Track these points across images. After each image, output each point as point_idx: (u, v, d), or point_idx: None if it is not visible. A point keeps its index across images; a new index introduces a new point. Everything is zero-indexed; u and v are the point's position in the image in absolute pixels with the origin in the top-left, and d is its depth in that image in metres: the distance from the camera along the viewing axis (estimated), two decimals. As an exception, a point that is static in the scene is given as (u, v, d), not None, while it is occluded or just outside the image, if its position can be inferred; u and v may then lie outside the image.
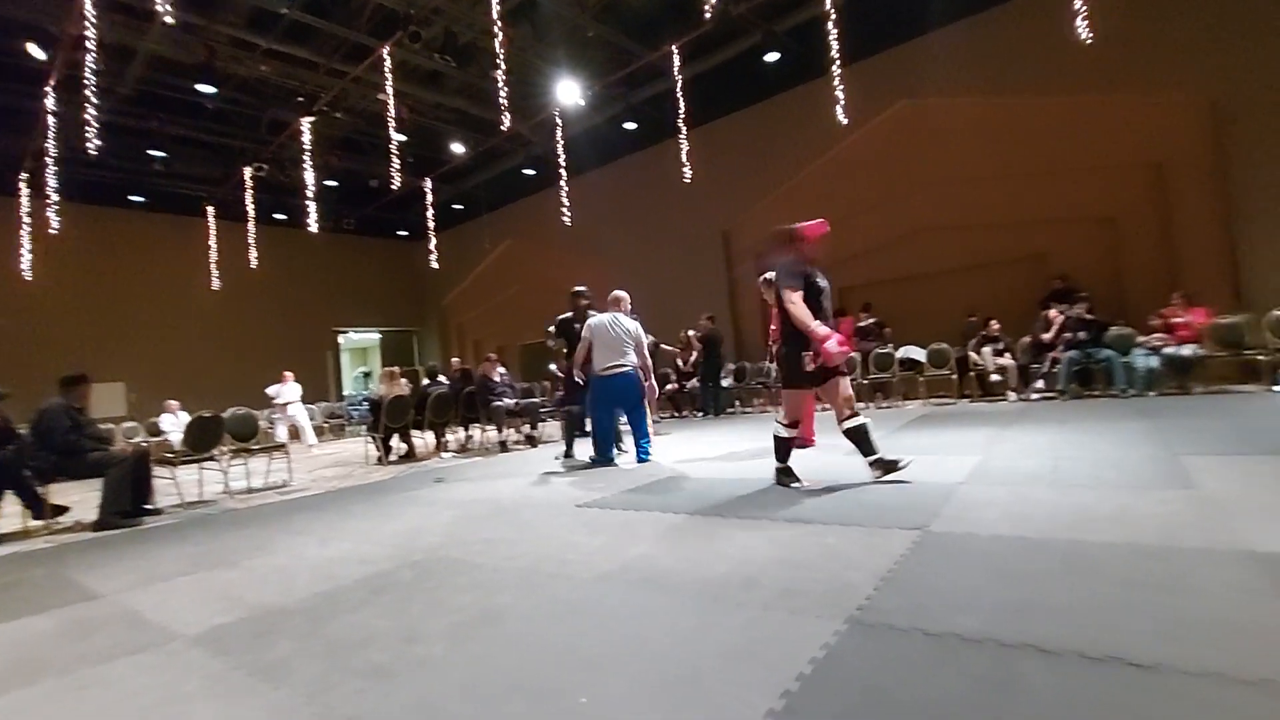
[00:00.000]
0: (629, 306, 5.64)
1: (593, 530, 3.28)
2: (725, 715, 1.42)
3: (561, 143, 10.89)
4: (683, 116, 9.70)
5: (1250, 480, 2.98)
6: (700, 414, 10.08)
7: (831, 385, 3.72)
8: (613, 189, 13.73)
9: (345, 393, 16.68)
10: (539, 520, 3.64)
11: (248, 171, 12.39)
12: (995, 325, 8.51)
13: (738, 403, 10.56)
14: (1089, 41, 7.32)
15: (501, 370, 8.58)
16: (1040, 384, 7.85)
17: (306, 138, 11.02)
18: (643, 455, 5.37)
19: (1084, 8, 7.19)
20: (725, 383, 10.29)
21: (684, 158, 10.04)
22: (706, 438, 7.08)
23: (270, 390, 11.17)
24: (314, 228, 12.39)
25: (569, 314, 6.38)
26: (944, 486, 3.44)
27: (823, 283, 3.81)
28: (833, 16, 8.12)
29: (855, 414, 3.73)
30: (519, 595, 2.38)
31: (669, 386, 10.48)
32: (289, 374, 11.32)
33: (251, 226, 13.24)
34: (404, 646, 2.00)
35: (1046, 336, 7.91)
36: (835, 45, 8.29)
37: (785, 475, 3.89)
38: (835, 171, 10.73)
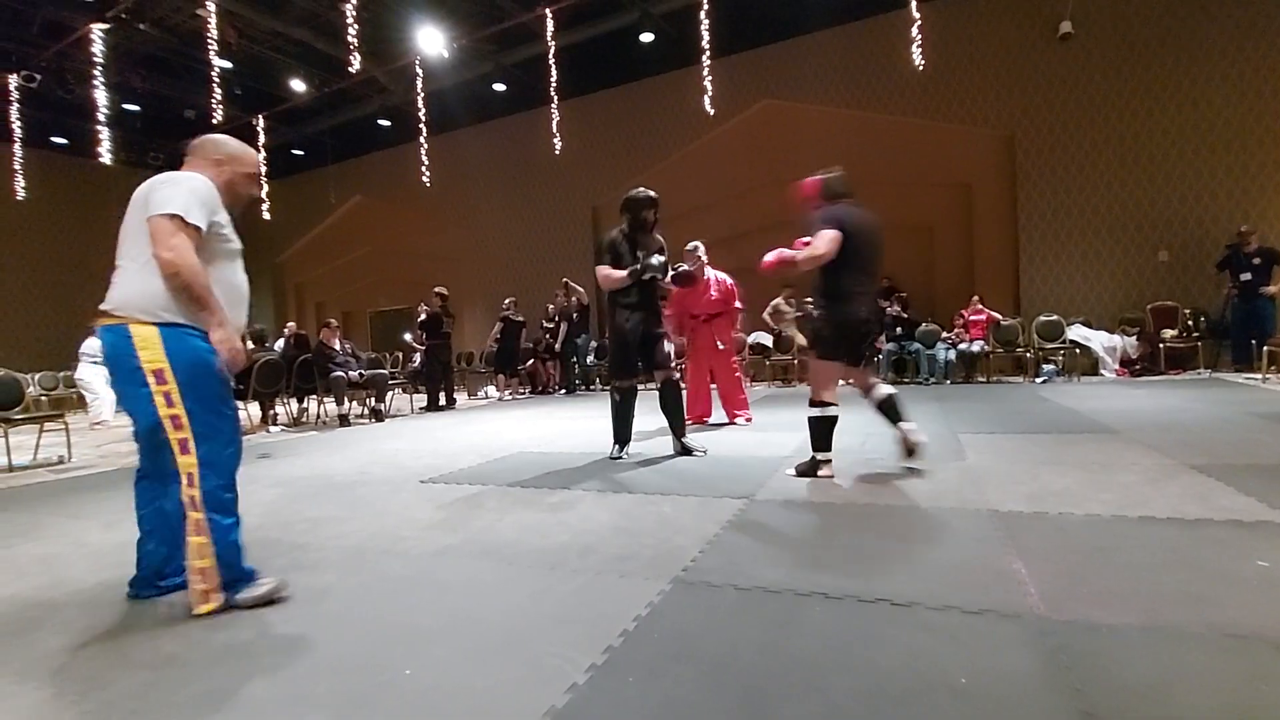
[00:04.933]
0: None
1: (434, 506, 3.21)
2: (550, 673, 1.48)
3: (422, 95, 10.21)
4: (555, 85, 9.51)
5: (1003, 454, 3.63)
6: (560, 390, 10.12)
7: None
8: (480, 152, 13.15)
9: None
10: (375, 497, 3.49)
11: (13, 80, 10.21)
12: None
13: (598, 380, 10.73)
14: (920, 69, 8.30)
15: (347, 343, 7.99)
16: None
17: (98, 48, 9.29)
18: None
19: (919, 38, 8.12)
20: (587, 360, 10.40)
21: (555, 128, 9.87)
22: (563, 413, 7.15)
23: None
24: (107, 159, 10.55)
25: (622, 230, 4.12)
26: (773, 460, 3.81)
27: None
28: (705, 6, 8.38)
29: None
30: (344, 574, 2.27)
31: (530, 362, 10.38)
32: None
33: (19, 150, 10.99)
34: (203, 634, 1.81)
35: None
36: (707, 36, 8.57)
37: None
38: (702, 159, 11.13)
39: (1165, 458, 3.29)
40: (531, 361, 10.38)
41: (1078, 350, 8.05)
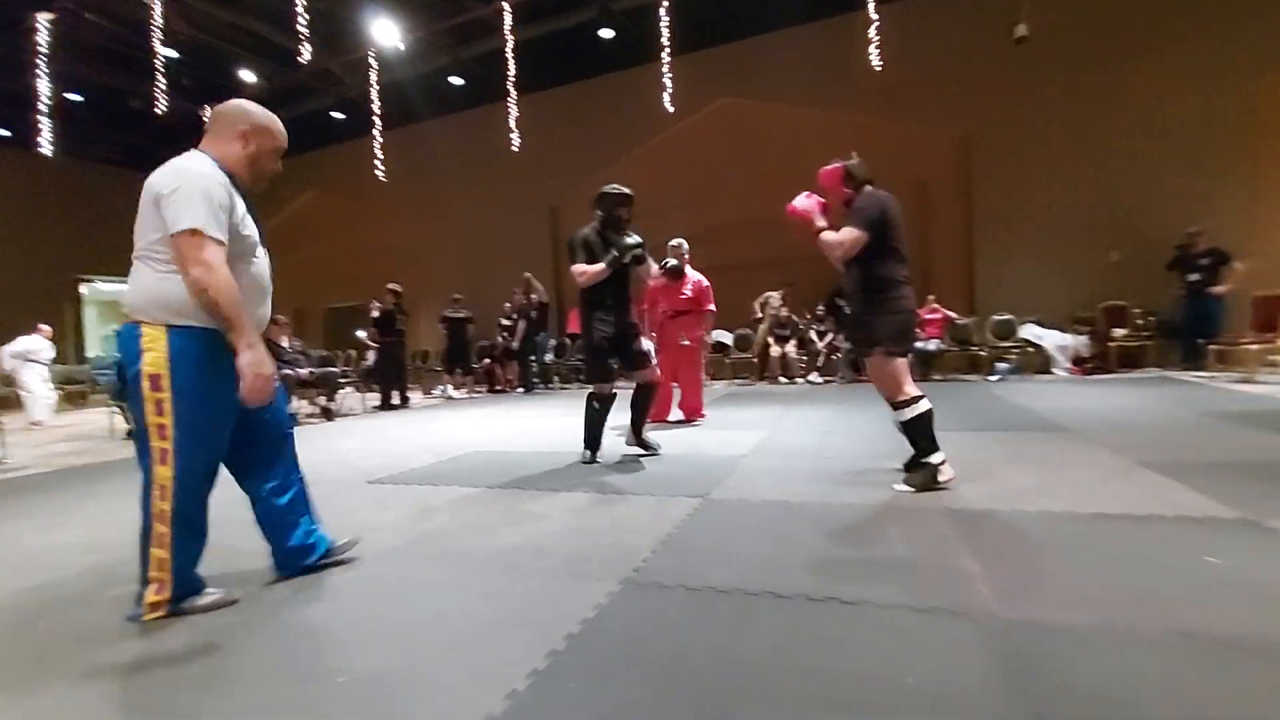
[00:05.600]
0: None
1: (383, 507, 3.08)
2: (490, 679, 1.42)
3: (377, 88, 9.95)
4: (513, 80, 9.37)
5: (959, 452, 3.63)
6: (519, 389, 9.97)
7: None
8: (435, 147, 12.88)
9: (90, 355, 13.90)
10: (321, 498, 3.25)
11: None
12: (784, 311, 9.38)
13: (556, 379, 10.60)
14: (879, 70, 8.39)
15: (296, 340, 7.71)
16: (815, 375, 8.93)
17: (43, 38, 8.83)
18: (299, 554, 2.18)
19: (877, 39, 8.23)
20: (546, 358, 10.27)
21: (512, 123, 9.72)
22: (520, 412, 7.03)
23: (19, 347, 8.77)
24: (48, 150, 10.04)
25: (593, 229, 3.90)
26: (730, 459, 3.77)
27: None
28: (665, 3, 8.35)
29: None
30: (284, 580, 2.16)
31: (485, 361, 10.20)
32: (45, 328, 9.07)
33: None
34: (135, 642, 1.75)
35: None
36: (666, 33, 8.54)
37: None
38: (662, 158, 11.10)
39: (1117, 455, 3.34)
40: (487, 361, 10.19)
41: (1031, 349, 8.24)
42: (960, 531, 2.26)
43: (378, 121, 10.35)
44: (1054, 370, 8.17)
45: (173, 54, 9.81)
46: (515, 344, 9.76)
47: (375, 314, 8.41)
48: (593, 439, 3.94)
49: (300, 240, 14.79)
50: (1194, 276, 7.45)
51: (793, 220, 3.06)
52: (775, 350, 9.18)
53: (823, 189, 3.10)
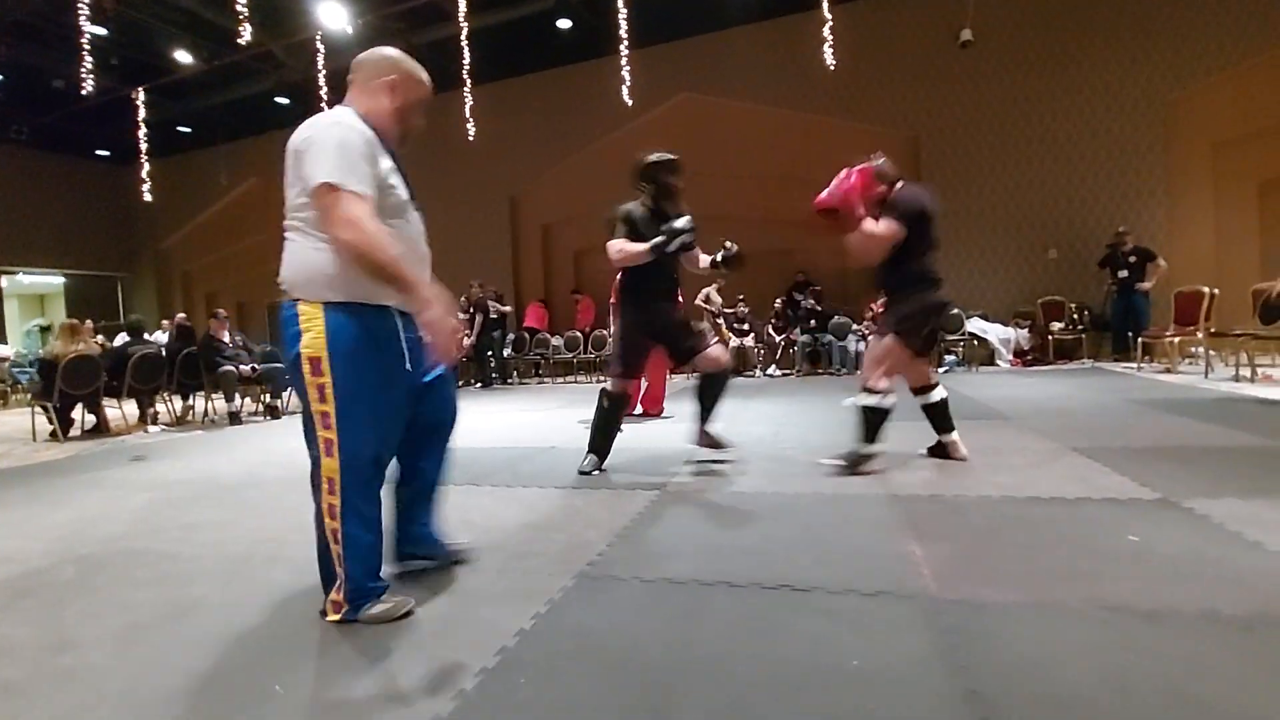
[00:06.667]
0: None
1: (329, 506, 2.98)
2: (437, 679, 1.40)
3: (324, 72, 9.59)
4: (468, 69, 9.16)
5: (906, 441, 3.74)
6: (477, 384, 9.82)
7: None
8: (387, 137, 12.53)
9: (11, 351, 13.03)
10: (264, 501, 3.21)
11: None
12: (744, 307, 9.52)
13: (516, 374, 10.48)
14: (833, 70, 8.55)
15: (238, 335, 7.40)
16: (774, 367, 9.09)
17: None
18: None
19: (831, 38, 8.37)
20: (505, 352, 10.14)
21: (468, 113, 9.51)
22: (476, 408, 6.92)
23: None
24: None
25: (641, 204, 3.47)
26: (688, 451, 3.78)
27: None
28: (621, -4, 8.31)
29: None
30: (219, 586, 2.07)
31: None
32: None
33: None
34: (47, 657, 1.63)
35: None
36: (625, 25, 8.49)
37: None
38: (622, 151, 11.02)
39: (1051, 441, 3.51)
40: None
41: (976, 342, 8.57)
42: (906, 517, 2.33)
43: (324, 107, 9.97)
44: (997, 362, 8.52)
45: (100, 31, 9.23)
46: (471, 338, 9.61)
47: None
48: (603, 446, 3.40)
49: (241, 231, 14.19)
50: (1123, 273, 7.87)
51: (826, 209, 2.88)
52: (734, 343, 9.29)
53: (857, 190, 2.98)
